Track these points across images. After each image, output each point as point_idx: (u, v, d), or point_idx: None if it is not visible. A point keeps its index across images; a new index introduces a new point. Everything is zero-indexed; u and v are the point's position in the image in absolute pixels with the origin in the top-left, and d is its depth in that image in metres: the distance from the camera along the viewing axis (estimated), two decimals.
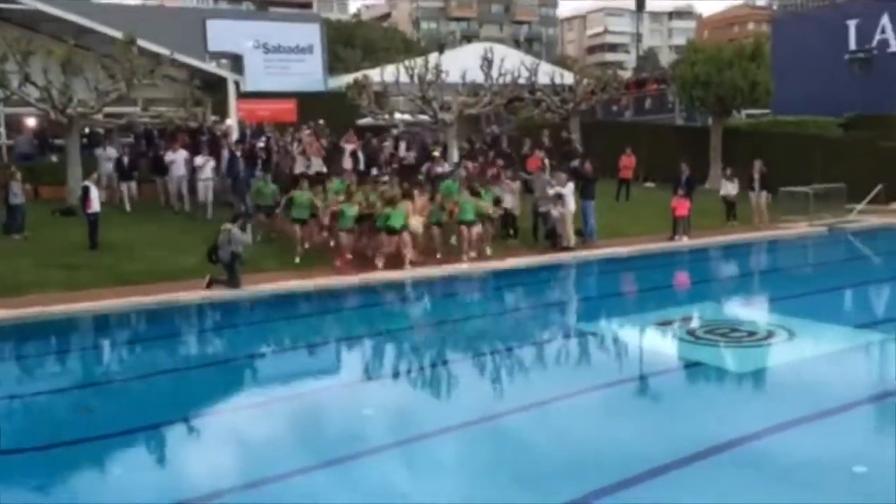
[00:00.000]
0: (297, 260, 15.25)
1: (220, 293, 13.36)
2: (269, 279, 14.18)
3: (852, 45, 28.86)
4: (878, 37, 28.50)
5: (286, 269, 14.85)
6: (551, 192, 16.91)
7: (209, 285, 13.54)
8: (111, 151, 20.25)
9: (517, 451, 6.81)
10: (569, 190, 16.97)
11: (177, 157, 19.42)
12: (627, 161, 23.19)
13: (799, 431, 6.95)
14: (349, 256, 15.33)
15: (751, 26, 79.24)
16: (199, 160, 19.10)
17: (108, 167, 19.77)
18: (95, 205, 15.79)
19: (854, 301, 13.22)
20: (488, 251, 16.24)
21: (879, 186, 21.43)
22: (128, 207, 19.16)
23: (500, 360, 10.07)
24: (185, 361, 10.75)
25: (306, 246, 15.74)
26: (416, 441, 7.12)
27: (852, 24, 29.21)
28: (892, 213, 21.47)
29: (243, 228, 13.90)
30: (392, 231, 14.95)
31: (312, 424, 7.96)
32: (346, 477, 6.41)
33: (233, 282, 13.64)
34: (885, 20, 28.35)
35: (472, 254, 15.71)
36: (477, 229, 15.86)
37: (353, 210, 15.42)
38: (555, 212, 16.96)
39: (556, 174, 17.73)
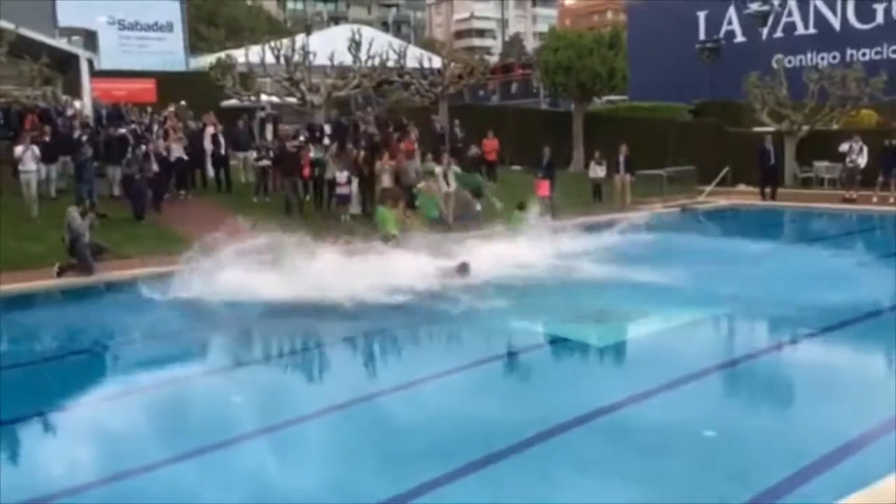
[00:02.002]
0: None
1: (67, 281, 12.99)
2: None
3: (702, 35, 30.56)
4: (725, 28, 30.30)
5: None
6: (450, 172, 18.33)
7: (60, 273, 13.13)
8: None
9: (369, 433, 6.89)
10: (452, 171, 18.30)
11: None
12: (490, 144, 23.66)
13: (658, 400, 7.40)
14: None
15: (609, 15, 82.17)
16: (18, 150, 16.92)
17: None
18: None
19: (705, 277, 13.90)
20: None
21: (726, 169, 22.86)
22: None
23: (355, 346, 10.11)
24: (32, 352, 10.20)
25: None
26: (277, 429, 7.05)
27: (702, 16, 30.91)
28: (738, 194, 22.96)
29: (83, 215, 13.48)
30: None
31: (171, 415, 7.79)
32: (212, 466, 6.33)
33: (84, 269, 13.15)
34: (731, 12, 30.18)
35: None
36: None
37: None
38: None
39: (443, 156, 18.83)
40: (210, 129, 20.96)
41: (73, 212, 13.43)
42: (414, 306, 10.71)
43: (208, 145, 20.66)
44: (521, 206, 15.51)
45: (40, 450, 7.02)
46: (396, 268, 12.02)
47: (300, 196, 18.97)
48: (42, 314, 12.33)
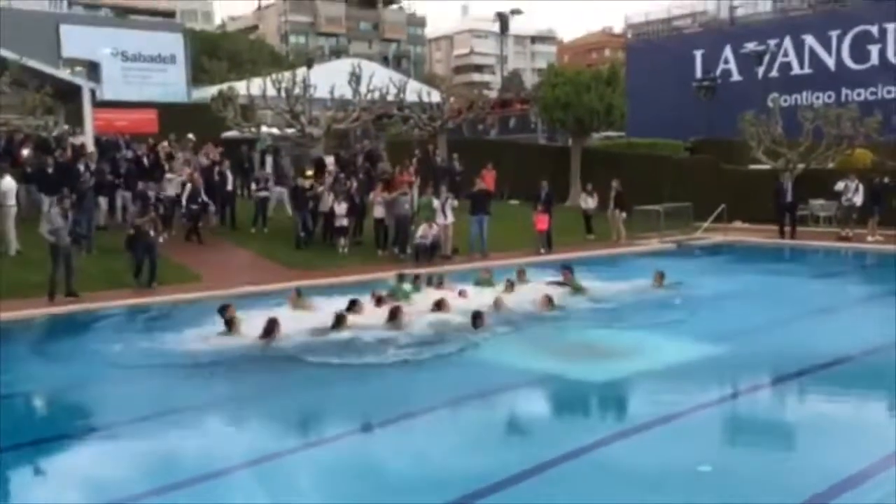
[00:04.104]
0: None
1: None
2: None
3: (698, 74, 30.91)
4: (721, 67, 30.67)
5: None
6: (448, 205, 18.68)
7: (51, 297, 13.48)
8: None
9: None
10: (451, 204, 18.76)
11: None
12: (489, 175, 23.87)
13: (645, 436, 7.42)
14: None
15: (607, 53, 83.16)
16: (5, 182, 16.37)
17: None
18: None
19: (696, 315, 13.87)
20: None
21: (722, 206, 22.97)
22: None
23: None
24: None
25: None
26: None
27: (698, 54, 31.31)
28: (733, 230, 23.06)
29: (66, 216, 13.92)
30: None
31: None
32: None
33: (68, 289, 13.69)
34: (727, 52, 30.58)
35: None
36: None
37: None
38: (435, 228, 18.23)
39: (442, 189, 19.17)
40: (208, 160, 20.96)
41: (53, 208, 14.19)
42: None
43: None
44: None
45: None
46: None
47: (309, 229, 19.09)
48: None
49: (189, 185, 18.82)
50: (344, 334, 10.88)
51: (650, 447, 7.13)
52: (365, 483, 6.46)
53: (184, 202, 18.64)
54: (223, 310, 11.12)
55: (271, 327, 10.69)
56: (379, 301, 12.41)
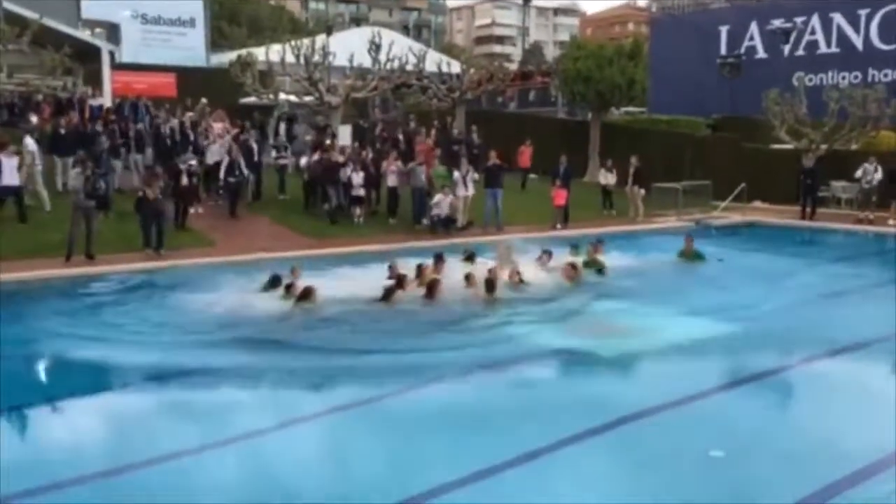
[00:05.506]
0: None
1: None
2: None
3: (723, 50, 30.39)
4: (746, 43, 30.10)
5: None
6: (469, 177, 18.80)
7: (68, 258, 13.60)
8: None
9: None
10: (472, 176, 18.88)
11: None
12: (526, 151, 24.01)
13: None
14: None
15: (631, 26, 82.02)
16: (28, 143, 16.56)
17: None
18: None
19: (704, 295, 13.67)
20: None
21: (742, 185, 22.70)
22: None
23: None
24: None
25: None
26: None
27: (724, 30, 30.73)
28: (753, 210, 22.82)
29: (86, 178, 13.95)
30: None
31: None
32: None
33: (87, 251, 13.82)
34: (753, 28, 29.99)
35: None
36: None
37: None
38: (451, 197, 18.22)
39: (462, 162, 19.26)
40: (219, 126, 20.72)
41: (74, 171, 14.24)
42: None
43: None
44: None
45: None
46: None
47: (341, 201, 18.87)
48: None
49: (227, 157, 18.45)
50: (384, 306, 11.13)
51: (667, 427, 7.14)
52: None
53: (222, 175, 18.32)
54: (275, 280, 11.59)
55: (307, 294, 10.87)
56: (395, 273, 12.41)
